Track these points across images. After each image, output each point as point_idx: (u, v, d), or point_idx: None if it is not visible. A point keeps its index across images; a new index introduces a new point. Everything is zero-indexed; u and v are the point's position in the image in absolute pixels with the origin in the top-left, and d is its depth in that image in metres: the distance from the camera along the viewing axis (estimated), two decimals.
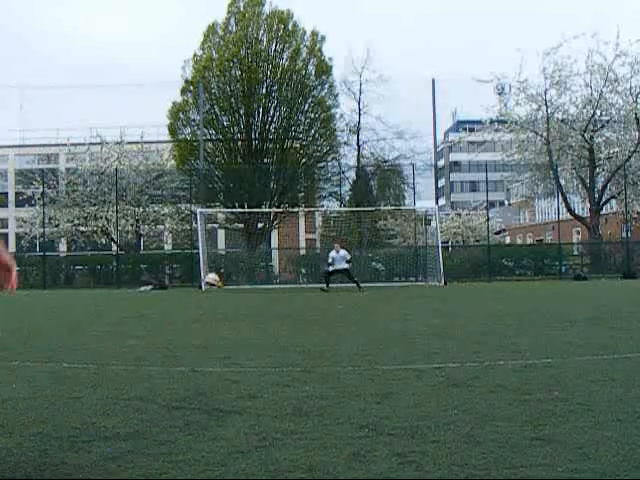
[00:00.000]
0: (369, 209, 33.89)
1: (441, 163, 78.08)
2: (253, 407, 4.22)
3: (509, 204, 66.74)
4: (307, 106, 33.98)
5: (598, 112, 32.85)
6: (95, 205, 32.75)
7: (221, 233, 41.11)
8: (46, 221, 31.73)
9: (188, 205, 31.24)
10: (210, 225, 33.59)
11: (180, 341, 8.08)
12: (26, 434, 3.59)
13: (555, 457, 3.03)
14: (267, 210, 32.13)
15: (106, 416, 4.01)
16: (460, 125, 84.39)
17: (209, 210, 31.83)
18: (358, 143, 37.10)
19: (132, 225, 33.17)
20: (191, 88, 33.50)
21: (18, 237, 40.23)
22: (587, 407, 4.02)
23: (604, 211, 35.14)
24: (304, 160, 34.29)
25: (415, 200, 33.97)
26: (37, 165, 46.23)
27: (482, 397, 4.38)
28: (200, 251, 26.01)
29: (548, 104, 32.86)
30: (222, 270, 28.59)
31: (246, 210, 31.58)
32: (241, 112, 33.21)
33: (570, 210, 34.47)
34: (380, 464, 2.99)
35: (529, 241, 55.73)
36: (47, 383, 5.16)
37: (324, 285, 21.85)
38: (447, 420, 3.77)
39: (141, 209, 32.91)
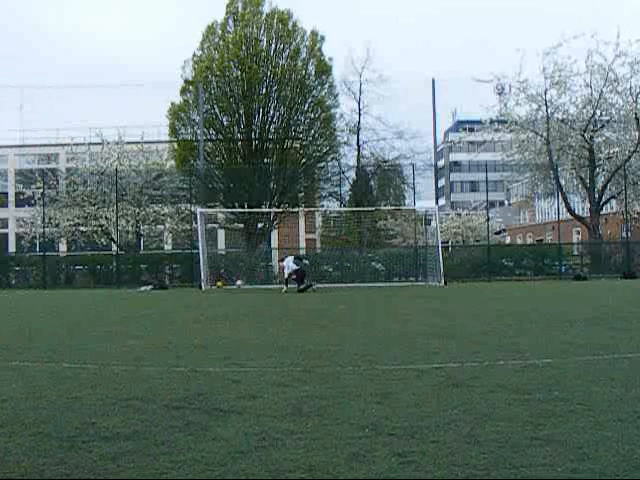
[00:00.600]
0: (369, 209, 33.88)
1: (441, 163, 78.09)
2: (253, 407, 4.22)
3: (509, 204, 66.71)
4: (307, 106, 33.96)
5: (598, 112, 32.84)
6: (95, 205, 32.73)
7: (221, 233, 41.07)
8: (46, 221, 31.72)
9: (188, 205, 31.21)
10: (210, 225, 33.56)
11: (180, 341, 8.08)
12: (26, 434, 3.59)
13: (555, 457, 3.03)
14: (267, 210, 32.11)
15: (106, 416, 4.01)
16: (460, 125, 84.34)
17: (209, 210, 31.82)
18: (358, 143, 37.12)
19: (132, 225, 33.15)
20: (191, 88, 33.49)
21: (18, 237, 40.19)
22: (587, 407, 4.03)
23: (604, 211, 35.12)
24: (304, 160, 34.26)
25: (415, 200, 33.96)
26: (37, 165, 46.18)
27: (482, 397, 4.38)
28: (200, 251, 26.02)
29: (548, 104, 32.85)
30: (222, 271, 28.62)
31: (246, 210, 31.57)
32: (241, 112, 33.18)
33: (570, 210, 34.46)
34: (380, 464, 2.99)
35: (529, 241, 55.68)
36: (47, 383, 5.16)
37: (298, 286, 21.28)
38: (447, 420, 3.77)
39: (141, 209, 32.90)
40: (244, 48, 32.87)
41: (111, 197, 31.81)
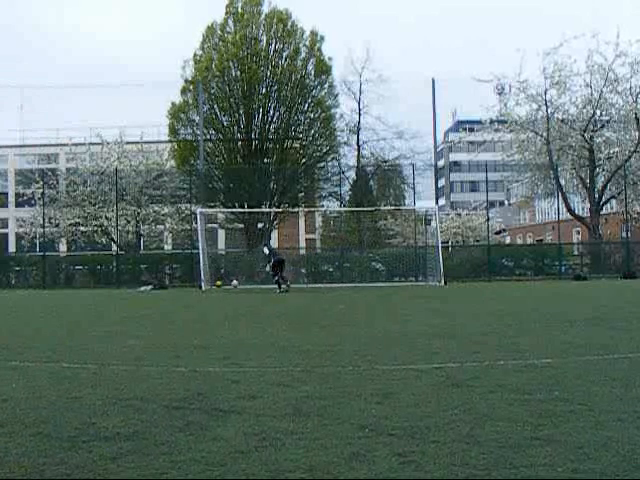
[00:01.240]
0: (369, 209, 33.89)
1: (441, 163, 78.04)
2: (253, 407, 4.22)
3: (509, 204, 66.69)
4: (307, 106, 33.97)
5: (598, 112, 32.83)
6: (95, 205, 32.73)
7: (221, 233, 41.10)
8: (46, 221, 31.72)
9: (188, 205, 31.21)
10: (210, 225, 33.58)
11: (180, 341, 8.08)
12: (26, 434, 3.59)
13: (555, 457, 3.03)
14: (267, 210, 32.11)
15: (106, 416, 4.01)
16: (460, 125, 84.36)
17: (209, 210, 31.82)
18: (358, 143, 37.13)
19: (132, 225, 33.16)
20: (191, 88, 33.50)
21: (18, 237, 40.19)
22: (587, 407, 4.03)
23: (604, 211, 35.11)
24: (304, 160, 34.28)
25: (415, 200, 33.97)
26: (37, 165, 46.20)
27: (482, 397, 4.38)
28: (200, 251, 26.02)
29: (548, 104, 32.84)
30: (222, 270, 28.62)
31: (246, 210, 31.57)
32: (241, 112, 33.19)
33: (570, 210, 34.46)
34: (380, 464, 2.99)
35: (529, 241, 55.69)
36: (47, 383, 5.16)
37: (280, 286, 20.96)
38: (447, 420, 3.77)
39: (141, 209, 32.90)
40: (244, 48, 32.88)
41: (111, 197, 31.80)
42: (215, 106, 33.41)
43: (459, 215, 52.00)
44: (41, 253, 31.36)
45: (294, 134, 34.05)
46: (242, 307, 15.25)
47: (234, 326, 10.21)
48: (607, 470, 2.85)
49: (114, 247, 33.16)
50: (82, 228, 33.51)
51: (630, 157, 31.84)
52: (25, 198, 36.00)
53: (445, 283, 24.46)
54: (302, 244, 39.23)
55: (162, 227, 34.83)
